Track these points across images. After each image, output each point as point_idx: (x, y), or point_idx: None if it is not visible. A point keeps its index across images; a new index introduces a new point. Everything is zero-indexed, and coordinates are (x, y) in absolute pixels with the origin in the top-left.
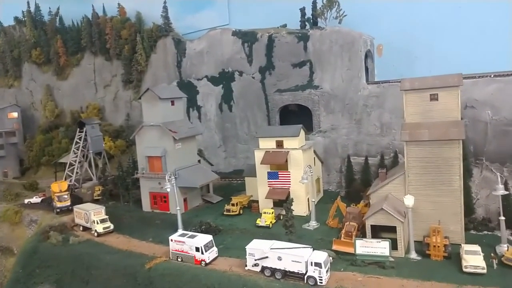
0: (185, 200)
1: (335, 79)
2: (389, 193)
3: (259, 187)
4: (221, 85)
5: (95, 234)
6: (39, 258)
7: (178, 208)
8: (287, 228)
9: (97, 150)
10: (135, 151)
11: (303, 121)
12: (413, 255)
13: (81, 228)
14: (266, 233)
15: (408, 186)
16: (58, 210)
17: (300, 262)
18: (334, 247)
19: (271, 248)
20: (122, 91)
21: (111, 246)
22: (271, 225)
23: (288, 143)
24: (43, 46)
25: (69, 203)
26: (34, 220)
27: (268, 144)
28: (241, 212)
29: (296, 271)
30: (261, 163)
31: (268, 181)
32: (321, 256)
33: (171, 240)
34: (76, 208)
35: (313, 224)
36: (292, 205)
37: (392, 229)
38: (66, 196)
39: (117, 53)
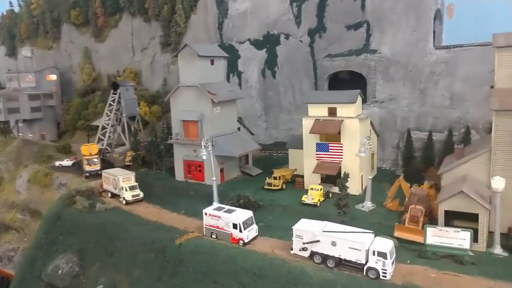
0: (221, 170)
1: (397, 43)
2: (467, 173)
3: (306, 160)
4: (265, 49)
5: (123, 201)
6: (63, 224)
7: (214, 178)
8: (340, 208)
9: (131, 114)
10: (170, 116)
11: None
12: (498, 250)
13: (109, 195)
14: (313, 212)
15: (493, 166)
16: (87, 174)
17: (360, 250)
18: (397, 233)
19: (323, 231)
20: (160, 54)
21: (139, 216)
22: (318, 203)
23: (342, 110)
24: (82, 6)
25: (99, 167)
26: (63, 184)
27: (318, 111)
28: (283, 187)
29: (353, 260)
30: (310, 132)
31: (317, 154)
32: (387, 244)
33: (205, 214)
34: (105, 173)
35: (368, 204)
36: (347, 181)
37: (471, 217)
38: (96, 160)
39: (155, 14)
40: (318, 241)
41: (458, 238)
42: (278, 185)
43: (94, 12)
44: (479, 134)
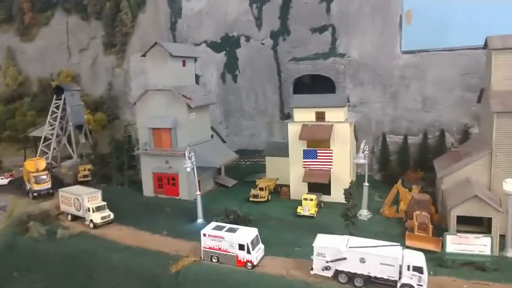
0: (198, 182)
1: (365, 46)
2: (467, 176)
3: (292, 168)
4: (224, 52)
5: (91, 225)
6: (17, 257)
7: (198, 193)
8: (349, 219)
9: (78, 122)
10: (120, 125)
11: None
12: (510, 253)
13: (69, 218)
14: (311, 224)
15: (495, 169)
16: (36, 194)
17: (393, 266)
18: (408, 242)
19: (349, 247)
20: (103, 56)
21: (114, 241)
22: (315, 214)
23: (331, 115)
24: (3, 1)
25: (49, 185)
26: (1, 206)
27: (305, 116)
28: (269, 198)
29: (385, 277)
30: (299, 139)
31: (304, 161)
32: (420, 257)
33: (204, 235)
34: (63, 192)
35: (364, 213)
36: (353, 189)
37: (474, 221)
38: (45, 177)
39: (96, 11)
40: (344, 258)
41: (478, 245)
42: (264, 197)
43: (19, 7)
44: (453, 137)
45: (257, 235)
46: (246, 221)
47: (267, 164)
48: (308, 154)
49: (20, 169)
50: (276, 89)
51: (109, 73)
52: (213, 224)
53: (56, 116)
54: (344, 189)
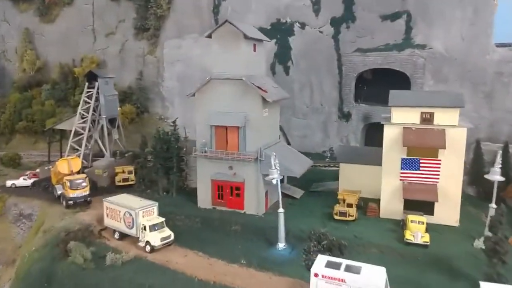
0: (266, 194)
1: (451, 37)
2: None
3: (385, 180)
4: (275, 40)
5: (147, 248)
6: None
7: (281, 210)
8: (497, 255)
9: (111, 115)
10: (150, 119)
11: (383, 93)
12: None
13: (116, 236)
14: (429, 256)
15: None
16: (71, 202)
17: None
18: None
19: None
20: (133, 41)
21: (182, 272)
22: (429, 242)
23: (441, 116)
24: None
25: (87, 192)
26: (26, 215)
27: (407, 116)
28: (357, 216)
29: None
30: (404, 145)
31: (402, 172)
32: None
33: (316, 275)
34: (109, 203)
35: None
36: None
37: None
38: (83, 182)
39: None
40: None
41: None
42: (353, 215)
43: None
44: None
45: (386, 278)
46: (340, 249)
47: (341, 172)
48: (408, 164)
49: (46, 167)
50: (335, 84)
51: (139, 60)
52: (322, 258)
53: (89, 107)
54: (495, 210)
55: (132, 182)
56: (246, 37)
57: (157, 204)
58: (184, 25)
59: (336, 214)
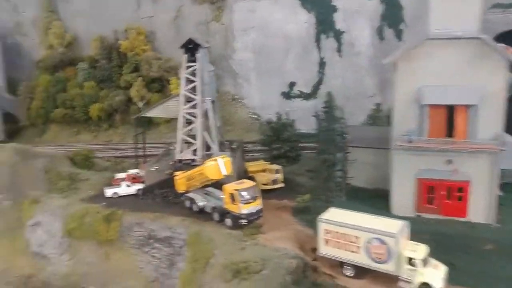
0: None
1: None
2: None
3: None
4: None
5: None
6: None
7: None
8: None
9: (213, 97)
10: (219, 103)
11: None
12: None
13: (348, 271)
14: None
15: None
16: (245, 221)
17: None
18: None
19: None
20: (191, 5)
21: None
22: None
23: None
24: None
25: (261, 206)
26: (161, 238)
27: None
28: None
29: None
30: None
31: None
32: None
33: None
34: (330, 223)
35: None
36: None
37: None
38: (253, 191)
39: None
40: None
41: None
42: None
43: None
44: None
45: None
46: None
47: None
48: None
49: (152, 168)
50: None
51: (202, 29)
52: None
53: (195, 86)
54: None
55: (282, 185)
56: None
57: (408, 223)
58: None
59: None
